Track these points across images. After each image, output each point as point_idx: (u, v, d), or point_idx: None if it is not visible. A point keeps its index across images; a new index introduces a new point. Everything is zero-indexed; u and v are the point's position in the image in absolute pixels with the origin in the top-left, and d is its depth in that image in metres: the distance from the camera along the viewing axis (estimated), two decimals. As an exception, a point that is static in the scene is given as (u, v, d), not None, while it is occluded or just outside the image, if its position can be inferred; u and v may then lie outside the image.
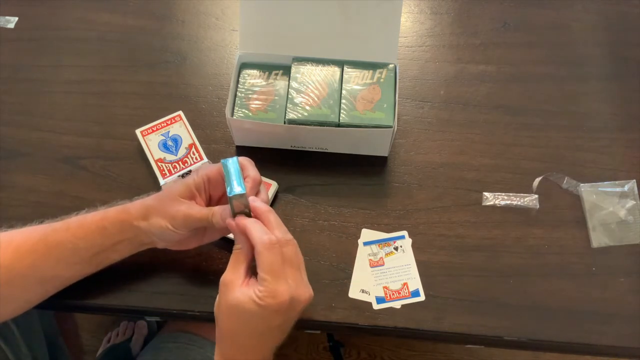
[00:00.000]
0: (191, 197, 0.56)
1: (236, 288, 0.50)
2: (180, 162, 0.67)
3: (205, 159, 0.67)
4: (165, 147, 0.69)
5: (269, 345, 0.53)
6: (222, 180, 0.56)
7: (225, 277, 0.51)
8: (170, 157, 0.68)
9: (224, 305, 0.51)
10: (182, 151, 0.68)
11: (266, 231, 0.51)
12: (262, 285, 0.49)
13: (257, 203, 0.53)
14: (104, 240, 0.57)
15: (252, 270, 0.52)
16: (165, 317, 0.70)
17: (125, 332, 1.18)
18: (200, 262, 0.64)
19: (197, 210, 0.55)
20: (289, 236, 0.52)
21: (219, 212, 0.55)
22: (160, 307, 0.62)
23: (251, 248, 0.51)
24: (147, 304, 0.62)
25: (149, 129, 0.70)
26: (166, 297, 0.62)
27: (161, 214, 0.56)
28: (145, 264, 0.63)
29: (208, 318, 0.62)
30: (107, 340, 1.18)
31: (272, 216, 0.53)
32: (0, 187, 0.69)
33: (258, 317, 0.49)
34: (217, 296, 0.52)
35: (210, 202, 0.59)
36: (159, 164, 0.67)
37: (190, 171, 0.67)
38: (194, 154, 0.68)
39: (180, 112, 0.71)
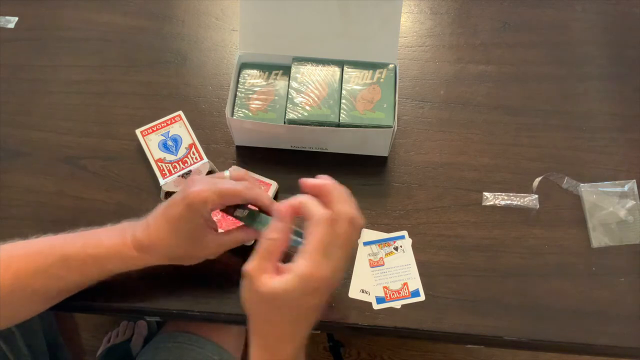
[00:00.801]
0: (207, 229, 0.56)
1: (267, 277, 0.47)
2: (180, 162, 0.67)
3: (205, 159, 0.67)
4: (165, 147, 0.69)
5: (304, 331, 0.51)
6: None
7: (249, 268, 0.48)
8: (170, 157, 0.68)
9: (256, 296, 0.48)
10: (182, 151, 0.68)
11: (322, 206, 0.49)
12: (305, 259, 0.47)
13: (318, 180, 0.51)
14: (105, 273, 0.58)
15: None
16: (165, 317, 0.70)
17: (125, 332, 1.18)
18: (201, 262, 0.64)
19: (228, 238, 0.58)
20: (350, 212, 0.49)
21: (243, 236, 0.58)
22: (160, 307, 0.62)
23: (287, 238, 0.49)
24: (147, 304, 0.62)
25: (149, 128, 0.70)
26: (166, 297, 0.62)
27: (192, 257, 0.58)
28: (145, 264, 0.63)
29: (208, 318, 0.62)
30: (107, 340, 1.18)
31: (336, 190, 0.50)
32: (0, 187, 0.69)
33: (298, 294, 0.47)
34: (243, 289, 0.50)
35: None
36: (159, 164, 0.67)
37: (190, 171, 0.67)
38: (194, 154, 0.68)
39: (180, 112, 0.71)
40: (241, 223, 0.58)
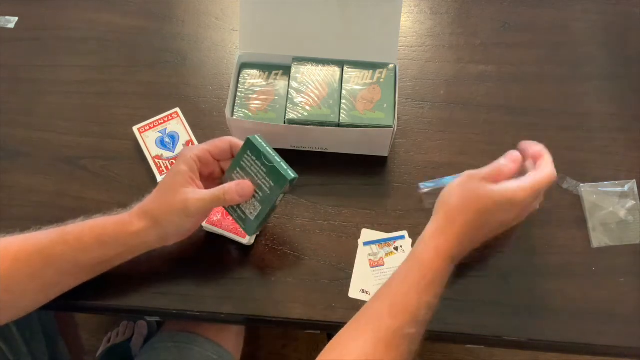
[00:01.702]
0: (190, 183, 0.56)
1: (493, 185, 0.55)
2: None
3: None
4: (162, 144, 0.69)
5: (482, 241, 0.59)
6: (211, 159, 0.58)
7: (484, 174, 0.57)
8: (167, 153, 0.68)
9: (479, 195, 0.55)
10: (179, 148, 0.68)
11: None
12: (527, 180, 0.56)
13: (537, 146, 0.60)
14: (104, 253, 0.57)
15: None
16: (165, 317, 0.70)
17: (125, 332, 1.18)
18: (201, 262, 0.64)
19: (208, 194, 0.56)
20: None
21: (234, 189, 0.56)
22: (160, 307, 0.62)
23: (516, 170, 0.57)
24: (147, 304, 0.62)
25: (145, 125, 0.70)
26: (166, 297, 0.62)
27: (171, 212, 0.56)
28: (145, 264, 0.63)
29: (208, 318, 0.62)
30: (107, 340, 1.18)
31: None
32: (0, 187, 0.69)
33: (519, 200, 0.55)
34: (454, 183, 0.57)
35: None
36: (156, 160, 0.67)
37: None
38: (191, 151, 0.68)
39: (177, 109, 0.71)
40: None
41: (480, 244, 0.59)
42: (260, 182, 0.57)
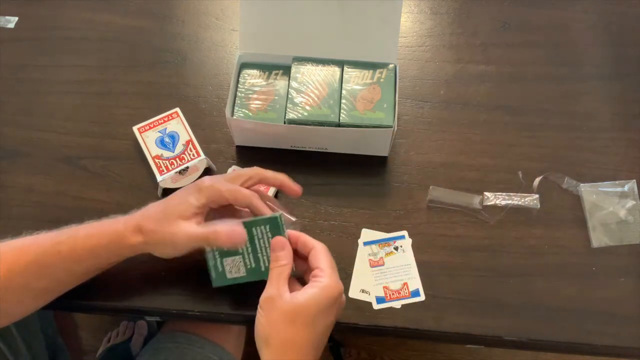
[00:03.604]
0: (191, 217, 0.55)
1: (287, 298, 0.51)
2: (177, 159, 0.67)
3: (202, 156, 0.67)
4: (162, 143, 0.69)
5: (321, 349, 0.54)
6: (230, 206, 0.57)
7: (270, 293, 0.52)
8: (167, 153, 0.68)
9: (280, 318, 0.51)
10: (179, 148, 0.68)
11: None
12: (324, 277, 0.52)
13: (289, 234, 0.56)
14: (98, 263, 0.57)
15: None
16: (165, 317, 0.70)
17: (125, 332, 1.18)
18: (201, 262, 0.64)
19: (198, 232, 0.54)
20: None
21: (225, 233, 0.54)
22: (160, 307, 0.62)
23: (291, 264, 0.54)
24: (147, 304, 0.62)
25: (145, 125, 0.70)
26: (166, 297, 0.62)
27: (160, 240, 0.55)
28: (145, 264, 0.63)
29: (208, 318, 0.62)
30: (107, 340, 1.18)
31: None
32: (0, 187, 0.69)
33: (322, 306, 0.51)
34: (260, 317, 0.52)
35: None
36: (156, 160, 0.67)
37: (187, 168, 0.67)
38: (191, 151, 0.68)
39: (177, 109, 0.71)
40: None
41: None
42: (259, 255, 0.56)
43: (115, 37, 0.80)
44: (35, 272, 0.55)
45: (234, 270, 0.57)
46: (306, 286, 0.53)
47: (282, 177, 0.59)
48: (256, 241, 0.56)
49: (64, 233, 0.56)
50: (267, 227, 0.56)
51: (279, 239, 0.55)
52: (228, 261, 0.57)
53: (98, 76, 0.77)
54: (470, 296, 0.63)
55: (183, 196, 0.56)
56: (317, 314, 0.51)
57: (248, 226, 0.56)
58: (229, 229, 0.54)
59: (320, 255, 0.54)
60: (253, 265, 0.56)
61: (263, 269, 0.56)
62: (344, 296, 0.55)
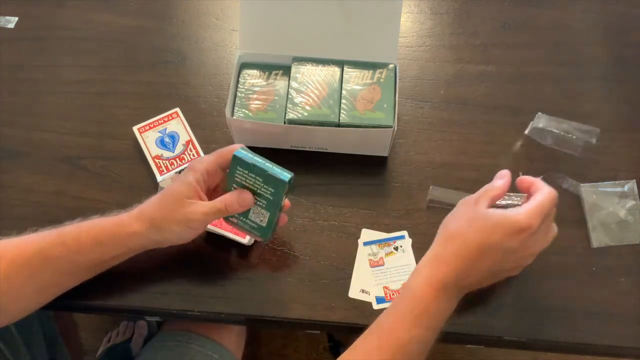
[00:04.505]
0: (195, 195, 0.56)
1: (480, 207, 0.54)
2: (177, 159, 0.68)
3: (203, 156, 0.67)
4: (162, 144, 0.69)
5: (487, 280, 0.56)
6: (219, 170, 0.58)
7: (469, 198, 0.56)
8: (167, 153, 0.68)
9: (463, 216, 0.54)
10: (179, 148, 0.68)
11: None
12: (521, 210, 0.52)
13: (528, 178, 0.57)
14: (102, 254, 0.57)
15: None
16: (165, 317, 0.70)
17: (125, 332, 1.18)
18: (201, 262, 0.64)
19: (210, 206, 0.56)
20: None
21: (235, 200, 0.56)
22: (160, 307, 0.62)
23: (505, 190, 0.56)
24: (147, 304, 0.62)
25: (146, 125, 0.70)
26: (166, 297, 0.62)
27: (173, 221, 0.56)
28: (144, 264, 0.63)
29: (208, 318, 0.62)
30: (107, 340, 1.18)
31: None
32: (0, 187, 0.69)
33: (501, 232, 0.52)
34: (452, 211, 0.57)
35: (206, 193, 0.59)
36: (156, 160, 0.67)
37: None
38: (191, 151, 0.68)
39: (177, 109, 0.71)
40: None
41: (487, 278, 0.55)
42: (260, 192, 0.57)
43: (115, 37, 0.80)
44: (39, 263, 0.55)
45: (261, 218, 0.59)
46: (503, 210, 0.53)
47: None
48: (246, 184, 0.58)
49: (68, 226, 0.57)
50: (238, 167, 0.57)
51: (504, 172, 0.57)
52: (253, 216, 0.59)
53: (98, 76, 0.77)
54: (470, 296, 0.62)
55: (179, 180, 0.58)
56: (493, 230, 0.52)
57: (230, 182, 0.58)
58: (237, 196, 0.57)
59: (538, 195, 0.53)
60: (263, 201, 0.58)
61: (271, 197, 0.57)
62: (532, 248, 0.54)
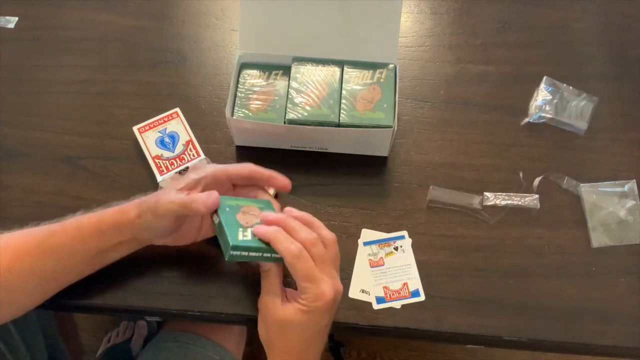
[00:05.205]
0: (183, 190, 0.56)
1: (278, 307, 0.53)
2: (177, 159, 0.68)
3: (202, 156, 0.67)
4: (162, 144, 0.69)
5: (320, 346, 0.56)
6: (227, 180, 0.58)
7: (264, 299, 0.54)
8: (167, 153, 0.68)
9: (272, 323, 0.54)
10: (179, 148, 0.68)
11: (290, 239, 0.52)
12: (305, 293, 0.51)
13: (270, 216, 0.54)
14: (102, 243, 0.57)
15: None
16: (165, 317, 0.70)
17: (125, 332, 1.18)
18: (201, 262, 0.64)
19: (176, 198, 0.54)
20: (313, 235, 0.53)
21: (202, 199, 0.54)
22: (160, 307, 0.62)
23: (279, 264, 0.54)
24: (147, 304, 0.62)
25: (145, 125, 0.70)
26: (166, 297, 0.62)
27: (147, 209, 0.56)
28: (144, 264, 0.63)
29: (208, 318, 0.62)
30: (107, 340, 1.18)
31: (291, 221, 0.53)
32: (0, 187, 0.69)
33: (309, 323, 0.52)
34: (259, 316, 0.56)
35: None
36: (156, 160, 0.67)
37: (187, 168, 0.67)
38: (191, 151, 0.68)
39: (177, 109, 0.71)
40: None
41: (318, 343, 0.56)
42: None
43: (115, 37, 0.80)
44: (40, 253, 0.55)
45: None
46: (292, 295, 0.53)
47: (269, 172, 0.59)
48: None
49: (70, 218, 0.58)
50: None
51: (259, 235, 0.53)
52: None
53: (98, 76, 0.77)
54: (470, 296, 0.63)
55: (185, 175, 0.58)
56: (307, 324, 0.52)
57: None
58: (205, 195, 0.54)
59: (294, 268, 0.51)
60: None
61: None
62: (340, 286, 0.54)
